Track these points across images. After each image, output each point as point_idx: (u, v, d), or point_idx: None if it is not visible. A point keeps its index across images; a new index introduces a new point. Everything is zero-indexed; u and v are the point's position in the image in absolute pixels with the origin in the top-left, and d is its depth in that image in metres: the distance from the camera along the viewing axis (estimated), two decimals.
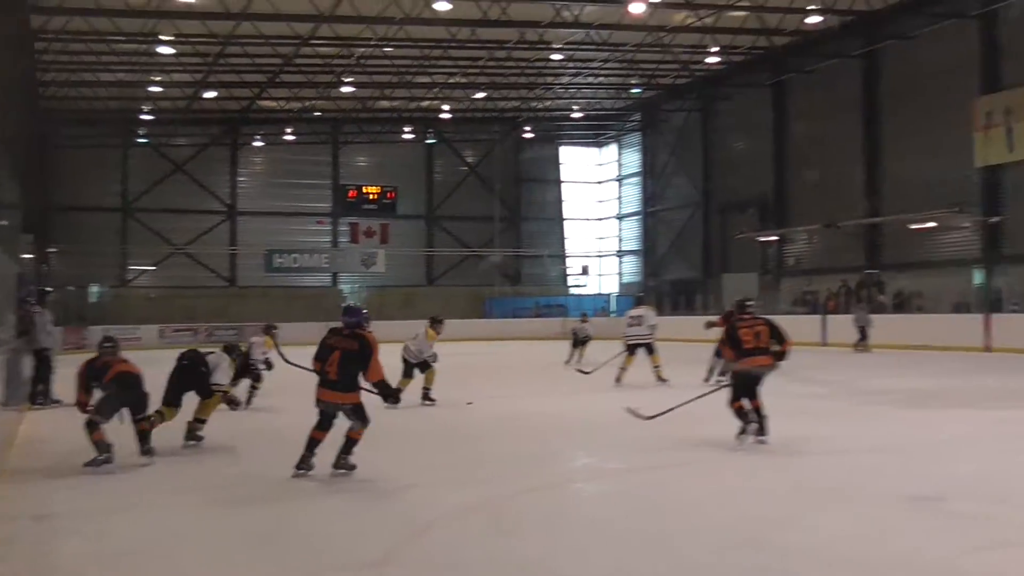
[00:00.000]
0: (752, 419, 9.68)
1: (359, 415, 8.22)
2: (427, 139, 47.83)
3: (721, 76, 39.64)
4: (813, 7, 30.27)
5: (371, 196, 45.88)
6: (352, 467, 8.23)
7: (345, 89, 39.68)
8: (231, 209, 45.59)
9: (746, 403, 9.74)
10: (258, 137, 45.64)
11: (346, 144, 47.14)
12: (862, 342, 26.03)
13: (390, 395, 8.46)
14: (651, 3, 28.53)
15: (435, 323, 14.00)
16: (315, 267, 45.52)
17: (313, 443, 8.24)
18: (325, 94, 40.64)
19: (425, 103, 43.61)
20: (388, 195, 46.00)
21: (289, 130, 45.04)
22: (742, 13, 30.79)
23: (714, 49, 35.42)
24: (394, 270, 45.91)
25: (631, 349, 16.57)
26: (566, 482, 8.48)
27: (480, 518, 6.84)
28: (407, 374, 13.51)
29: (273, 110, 43.51)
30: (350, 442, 8.23)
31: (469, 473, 8.56)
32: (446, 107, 44.46)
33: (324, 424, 8.28)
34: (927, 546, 5.76)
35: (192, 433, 10.17)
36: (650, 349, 16.38)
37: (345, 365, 8.13)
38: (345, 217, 46.37)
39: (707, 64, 38.16)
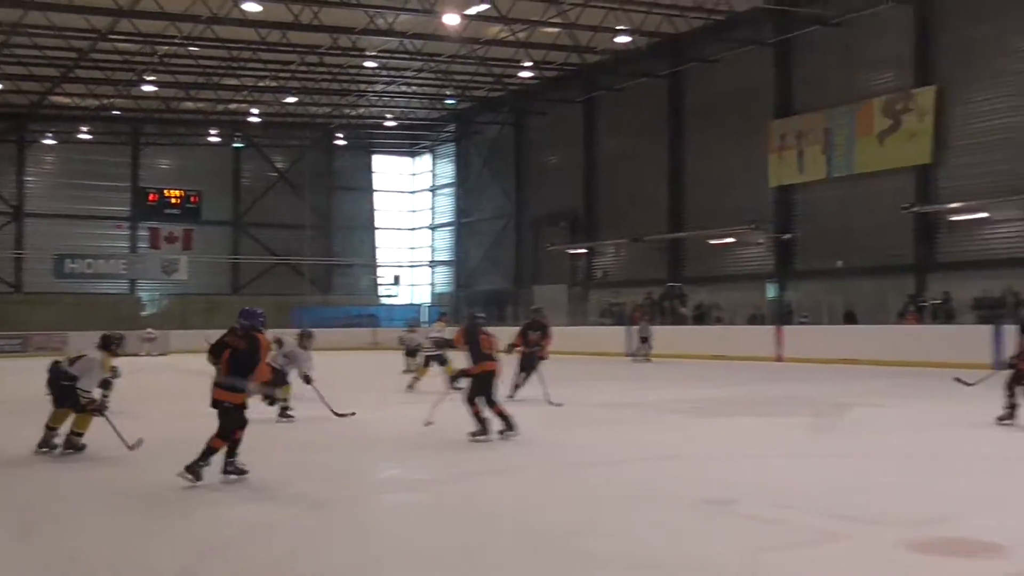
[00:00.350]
0: (486, 424, 10.59)
1: (229, 419, 8.17)
2: (235, 143, 46.50)
3: (534, 91, 40.42)
4: (622, 27, 31.29)
5: (174, 200, 44.10)
6: (198, 477, 8.06)
7: (147, 88, 38.12)
8: (17, 210, 42.95)
9: (483, 406, 10.60)
10: (49, 135, 43.21)
11: (147, 145, 45.26)
12: (643, 351, 27.22)
13: (272, 398, 8.50)
14: (465, 15, 28.83)
15: (304, 337, 13.66)
16: (111, 273, 43.51)
17: (233, 444, 8.27)
18: (125, 92, 38.93)
19: (233, 105, 42.44)
20: (192, 199, 44.36)
21: (85, 128, 42.81)
22: (555, 30, 31.53)
23: (527, 64, 36.10)
24: (198, 277, 44.40)
25: (425, 361, 18.04)
26: (374, 493, 8.41)
27: (283, 531, 6.67)
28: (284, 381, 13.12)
29: (66, 107, 41.28)
30: (208, 450, 8.10)
31: (283, 486, 8.30)
32: (255, 110, 43.42)
33: (240, 424, 8.31)
34: (721, 547, 6.00)
35: (71, 443, 9.82)
36: (441, 361, 17.37)
37: (233, 363, 8.20)
38: (145, 221, 44.47)
39: (520, 78, 38.87)
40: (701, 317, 31.14)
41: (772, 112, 30.75)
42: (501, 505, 7.51)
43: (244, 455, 8.39)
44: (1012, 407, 11.46)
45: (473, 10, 29.11)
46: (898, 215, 26.56)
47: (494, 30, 31.83)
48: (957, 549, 5.88)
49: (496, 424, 10.67)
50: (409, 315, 40.78)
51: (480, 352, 10.74)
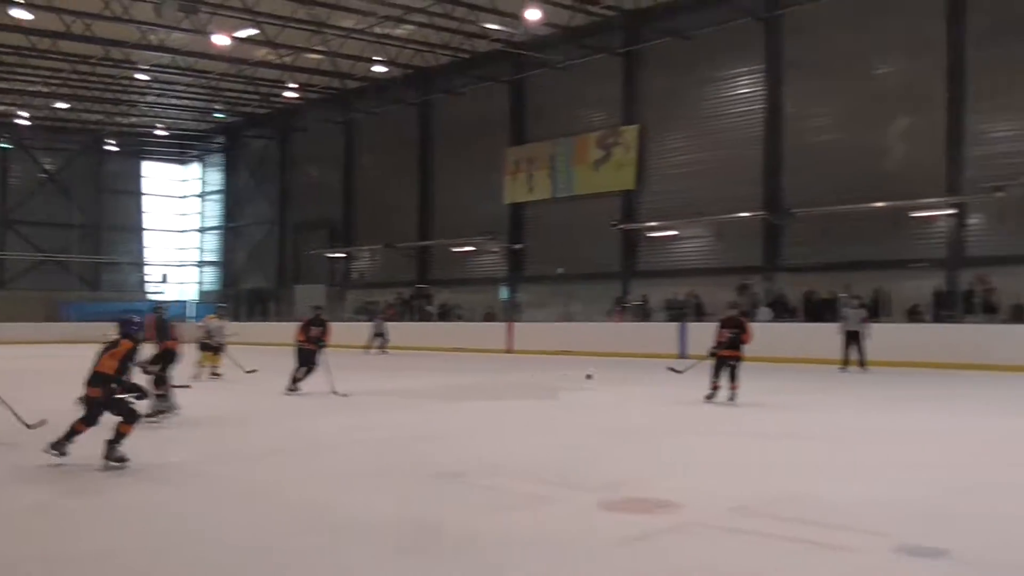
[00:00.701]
0: (173, 401, 10.98)
1: (113, 408, 7.73)
2: (2, 144, 42.35)
3: (298, 109, 39.52)
4: (379, 59, 31.29)
5: None
6: (122, 460, 7.61)
7: None
8: None
9: (166, 385, 10.96)
10: None
11: None
12: (376, 344, 27.35)
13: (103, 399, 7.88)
14: (235, 37, 27.80)
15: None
16: None
17: (73, 432, 7.72)
18: None
19: (1, 108, 38.68)
20: None
21: None
22: (318, 56, 31.00)
23: (292, 85, 35.28)
24: None
25: (212, 349, 17.95)
26: (136, 479, 7.94)
27: (40, 517, 6.22)
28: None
29: None
30: (117, 435, 7.67)
31: (71, 470, 7.64)
32: (25, 113, 39.73)
33: (87, 418, 7.74)
34: (452, 513, 6.18)
35: None
36: (216, 348, 17.58)
37: (97, 361, 7.82)
38: None
39: (286, 98, 37.87)
40: (445, 314, 31.56)
41: (508, 139, 31.69)
42: (264, 483, 7.35)
43: (51, 436, 7.76)
44: (715, 388, 12.48)
45: (243, 33, 28.10)
46: (608, 231, 28.10)
47: (262, 52, 30.85)
48: (640, 507, 6.32)
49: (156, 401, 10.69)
50: (175, 311, 38.82)
51: (167, 335, 11.51)
